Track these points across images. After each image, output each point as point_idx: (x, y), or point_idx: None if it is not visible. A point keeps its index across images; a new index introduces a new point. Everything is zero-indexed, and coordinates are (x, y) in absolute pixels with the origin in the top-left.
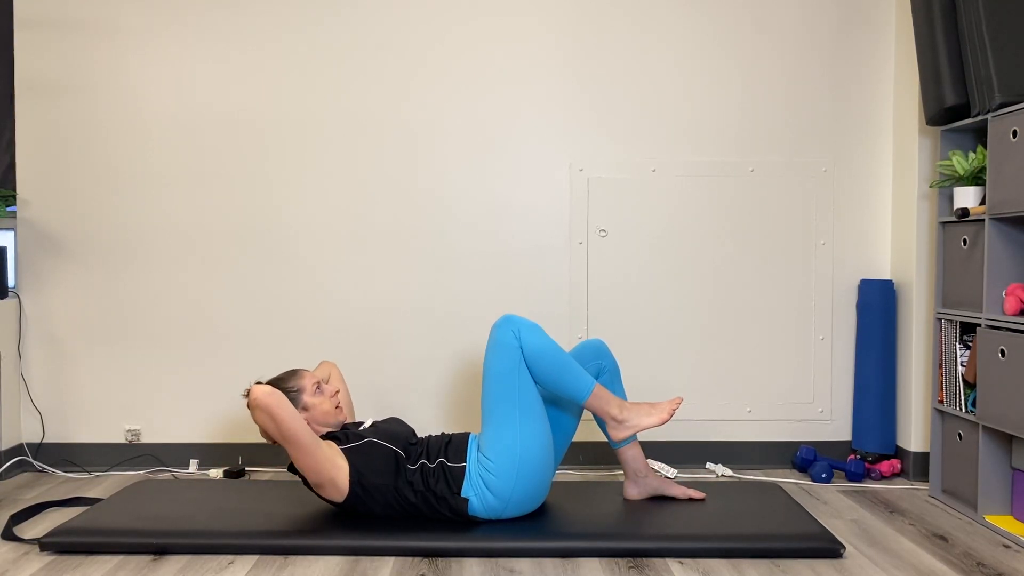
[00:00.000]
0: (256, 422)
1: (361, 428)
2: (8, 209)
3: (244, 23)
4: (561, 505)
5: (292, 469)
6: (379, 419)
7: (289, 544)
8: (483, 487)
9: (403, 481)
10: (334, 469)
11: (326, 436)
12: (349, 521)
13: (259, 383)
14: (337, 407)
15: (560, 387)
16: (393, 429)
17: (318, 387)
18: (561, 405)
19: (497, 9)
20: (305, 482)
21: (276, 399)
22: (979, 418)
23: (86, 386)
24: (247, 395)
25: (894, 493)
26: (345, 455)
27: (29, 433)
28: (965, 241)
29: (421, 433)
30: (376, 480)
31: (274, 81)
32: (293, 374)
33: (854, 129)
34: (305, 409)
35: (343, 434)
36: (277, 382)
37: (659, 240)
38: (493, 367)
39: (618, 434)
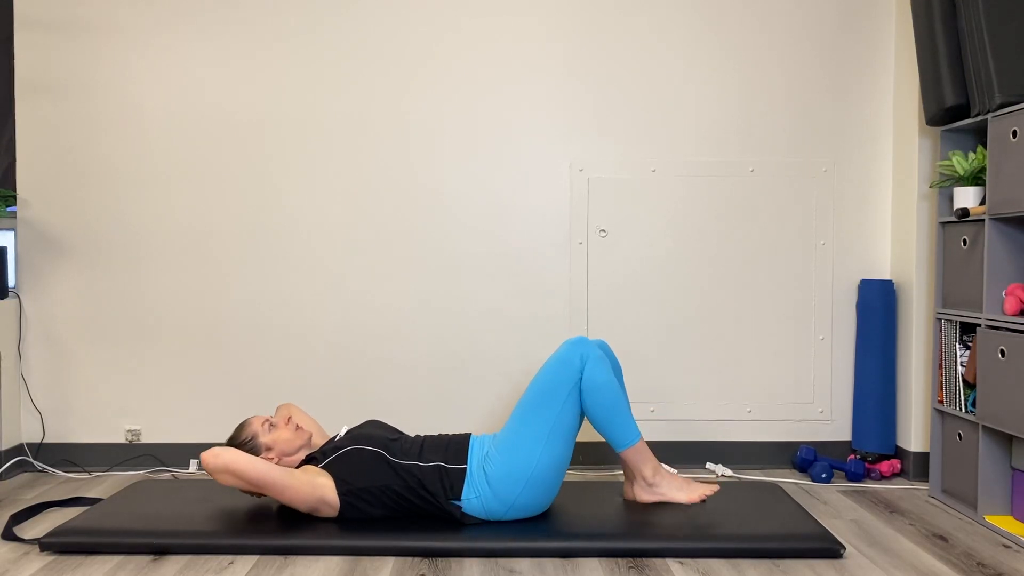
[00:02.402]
0: (225, 484)
1: (336, 440)
2: (8, 209)
3: (245, 23)
4: (561, 505)
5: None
6: (353, 425)
7: (289, 544)
8: (486, 487)
9: (393, 479)
10: (319, 490)
11: (306, 460)
12: (349, 522)
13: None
14: (297, 428)
15: (605, 427)
16: (368, 432)
17: (269, 425)
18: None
19: (497, 9)
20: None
21: (228, 456)
22: (979, 418)
23: (86, 386)
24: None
25: (894, 493)
26: (327, 470)
27: (29, 433)
28: (965, 241)
29: (418, 432)
30: (365, 483)
31: (275, 81)
32: (242, 426)
33: (854, 129)
34: (269, 449)
35: (319, 453)
36: (230, 441)
37: (659, 240)
38: (546, 379)
39: (642, 496)
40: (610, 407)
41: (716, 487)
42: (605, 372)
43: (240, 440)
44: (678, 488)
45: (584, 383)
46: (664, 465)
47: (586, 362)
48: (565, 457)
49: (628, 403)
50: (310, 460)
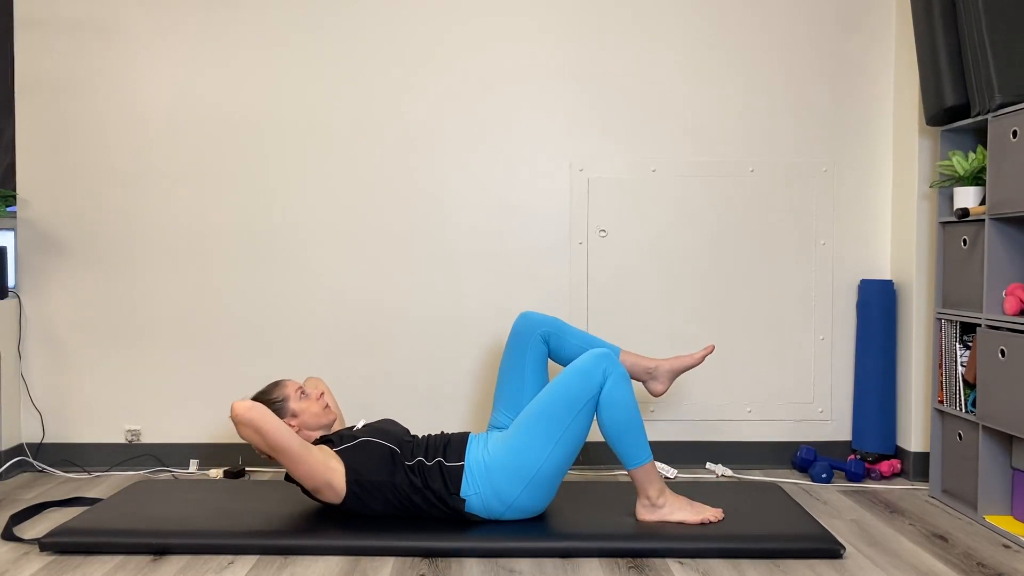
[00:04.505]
0: (244, 438)
1: (354, 429)
2: (8, 209)
3: (245, 23)
4: (561, 505)
5: (288, 478)
6: (371, 420)
7: (289, 544)
8: (486, 484)
9: (401, 477)
10: (328, 472)
11: (320, 440)
12: (349, 521)
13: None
14: (326, 407)
15: (617, 443)
16: (386, 428)
17: (302, 392)
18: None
19: (497, 9)
20: (304, 490)
21: (258, 412)
22: (979, 418)
23: (86, 386)
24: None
25: (894, 493)
26: (340, 456)
27: (29, 433)
28: (965, 241)
29: (418, 432)
30: (373, 477)
31: (275, 81)
32: (276, 385)
33: (854, 129)
34: (294, 415)
35: (336, 436)
36: (260, 396)
37: (659, 240)
38: (564, 386)
39: (643, 515)
40: (624, 426)
41: (721, 515)
42: (626, 390)
43: (270, 397)
44: (680, 509)
45: (603, 397)
46: (664, 466)
47: (607, 377)
48: (568, 463)
49: (642, 424)
50: (325, 441)
